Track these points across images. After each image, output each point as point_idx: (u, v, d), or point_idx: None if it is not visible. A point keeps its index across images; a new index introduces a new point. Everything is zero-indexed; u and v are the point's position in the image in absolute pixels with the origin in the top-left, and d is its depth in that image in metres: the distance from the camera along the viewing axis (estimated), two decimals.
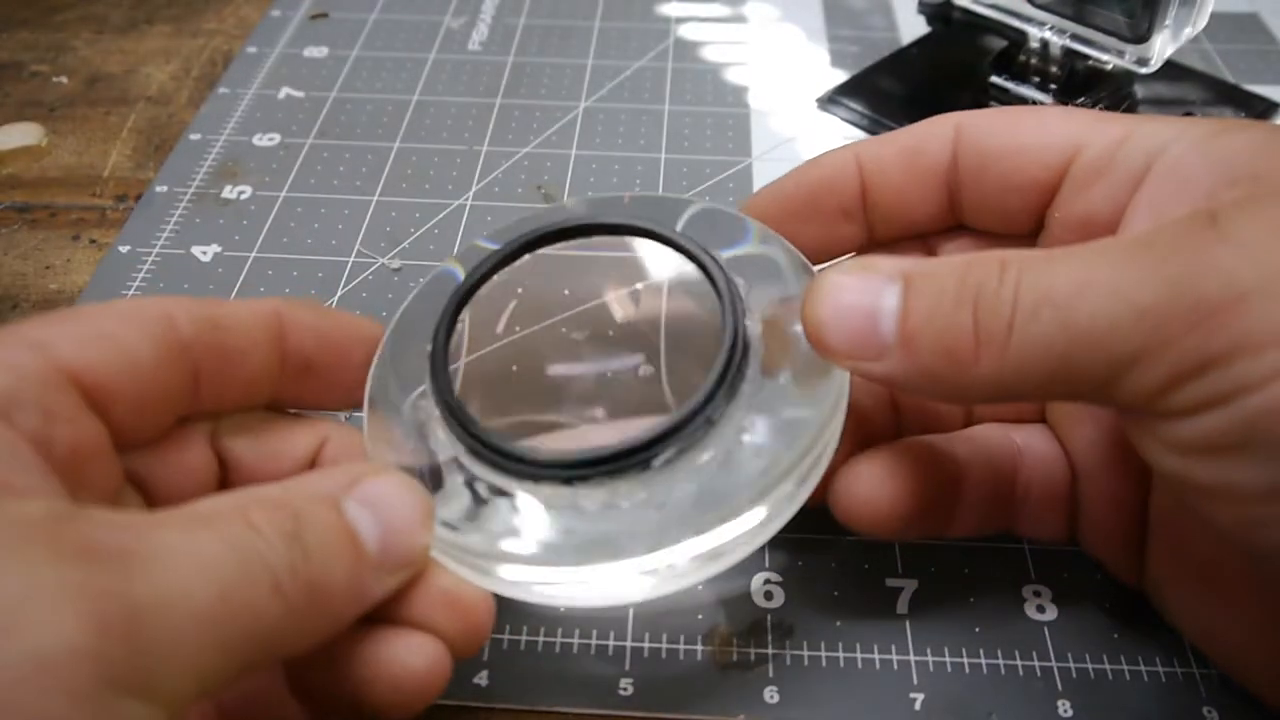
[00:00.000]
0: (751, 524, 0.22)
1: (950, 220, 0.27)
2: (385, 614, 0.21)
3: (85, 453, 0.20)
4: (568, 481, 0.22)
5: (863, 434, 0.26)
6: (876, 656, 0.26)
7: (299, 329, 0.24)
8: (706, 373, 0.23)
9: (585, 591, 0.23)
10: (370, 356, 0.25)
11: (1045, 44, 0.41)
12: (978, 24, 0.42)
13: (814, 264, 0.25)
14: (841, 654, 0.26)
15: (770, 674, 0.26)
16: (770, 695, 0.26)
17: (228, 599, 0.16)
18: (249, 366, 0.23)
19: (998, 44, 0.44)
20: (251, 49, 0.50)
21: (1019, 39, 0.42)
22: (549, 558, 0.22)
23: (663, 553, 0.21)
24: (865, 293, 0.21)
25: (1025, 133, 0.25)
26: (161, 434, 0.22)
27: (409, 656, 0.20)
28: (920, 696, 0.25)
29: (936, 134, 0.26)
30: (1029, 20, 0.41)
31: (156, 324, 0.21)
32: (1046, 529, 0.27)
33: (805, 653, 0.26)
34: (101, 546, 0.16)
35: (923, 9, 0.44)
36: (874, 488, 0.24)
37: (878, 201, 0.27)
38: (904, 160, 0.27)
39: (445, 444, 0.24)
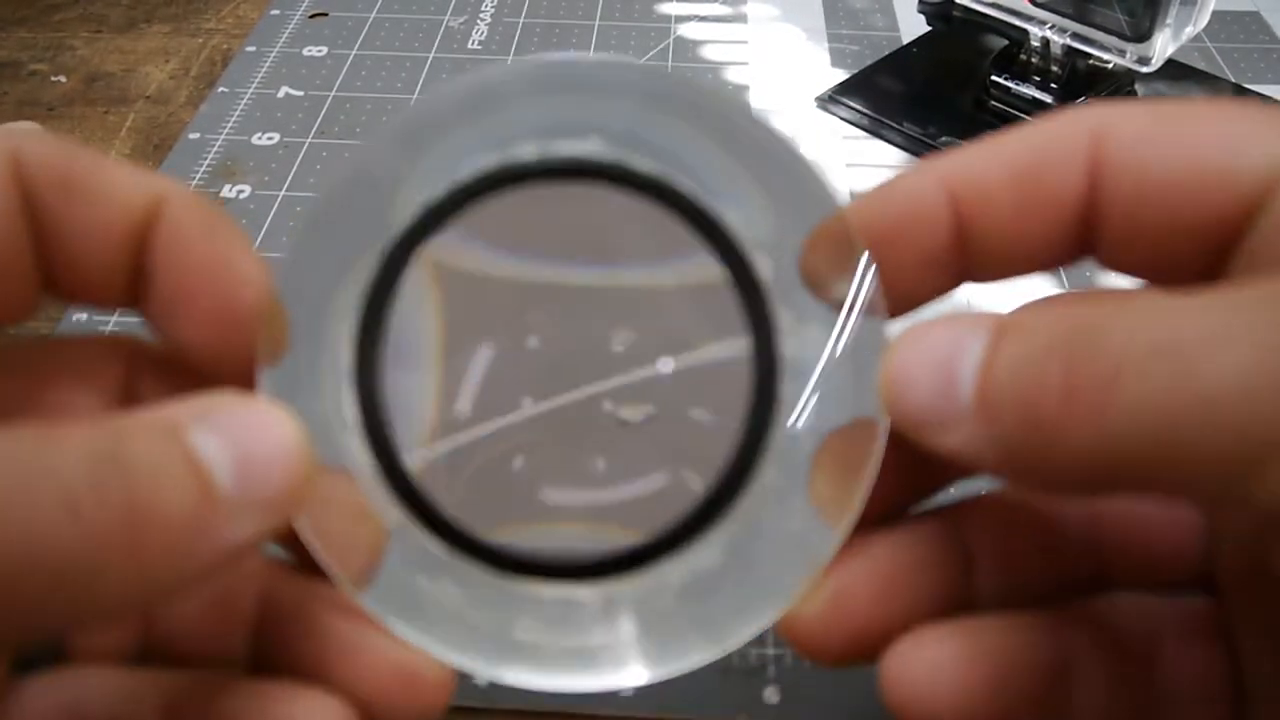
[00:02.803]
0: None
1: (1079, 256, 0.20)
2: (313, 670, 0.19)
3: None
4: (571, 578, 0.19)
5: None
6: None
7: (174, 230, 0.19)
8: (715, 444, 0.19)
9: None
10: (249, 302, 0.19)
11: (1046, 43, 0.41)
12: (978, 23, 0.42)
13: (891, 315, 0.20)
14: None
15: (770, 674, 0.26)
16: (770, 695, 0.26)
17: None
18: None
19: (998, 43, 0.44)
20: (251, 48, 0.50)
21: (1019, 38, 0.42)
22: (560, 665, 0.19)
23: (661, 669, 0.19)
24: (947, 346, 0.17)
25: (1205, 148, 0.18)
26: None
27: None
28: None
29: (1064, 148, 0.19)
30: (1029, 19, 0.41)
31: None
32: None
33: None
34: None
35: (923, 8, 0.44)
36: (938, 679, 0.18)
37: (979, 245, 0.19)
38: (1018, 189, 0.19)
39: (388, 506, 0.19)
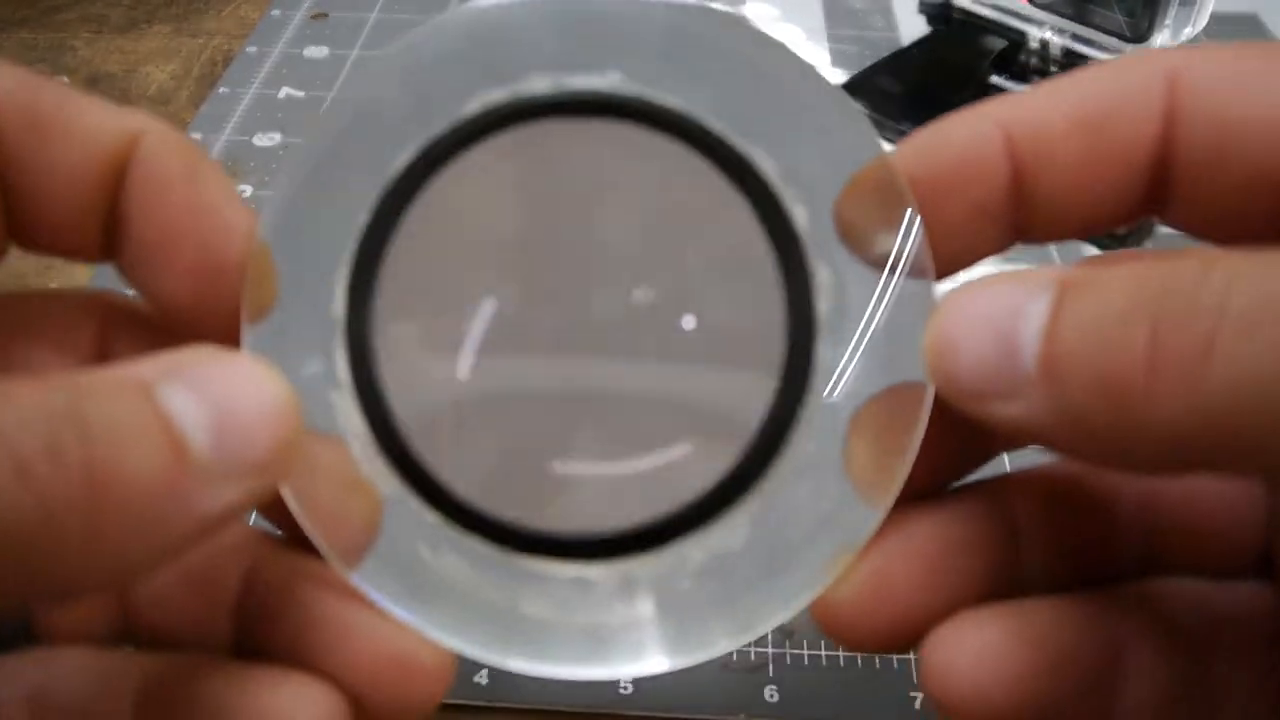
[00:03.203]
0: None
1: (1145, 213, 0.18)
2: (301, 653, 0.17)
3: None
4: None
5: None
6: (876, 657, 0.26)
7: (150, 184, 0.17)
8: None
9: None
10: (237, 252, 0.18)
11: (1045, 44, 0.41)
12: (978, 24, 0.42)
13: (938, 276, 0.18)
14: (841, 654, 0.26)
15: (770, 674, 0.26)
16: (770, 695, 0.26)
17: None
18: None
19: (998, 44, 0.44)
20: (251, 49, 0.50)
21: (1019, 39, 0.42)
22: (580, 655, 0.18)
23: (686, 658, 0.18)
24: (1004, 306, 0.15)
25: None
26: None
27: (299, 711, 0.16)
28: (920, 696, 0.25)
29: (1137, 92, 0.17)
30: (1029, 20, 0.41)
31: None
32: None
33: (805, 652, 0.26)
34: None
35: (923, 9, 0.44)
36: (986, 667, 0.17)
37: (1038, 199, 0.18)
38: (1084, 136, 0.17)
39: (386, 477, 0.18)
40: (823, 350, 0.18)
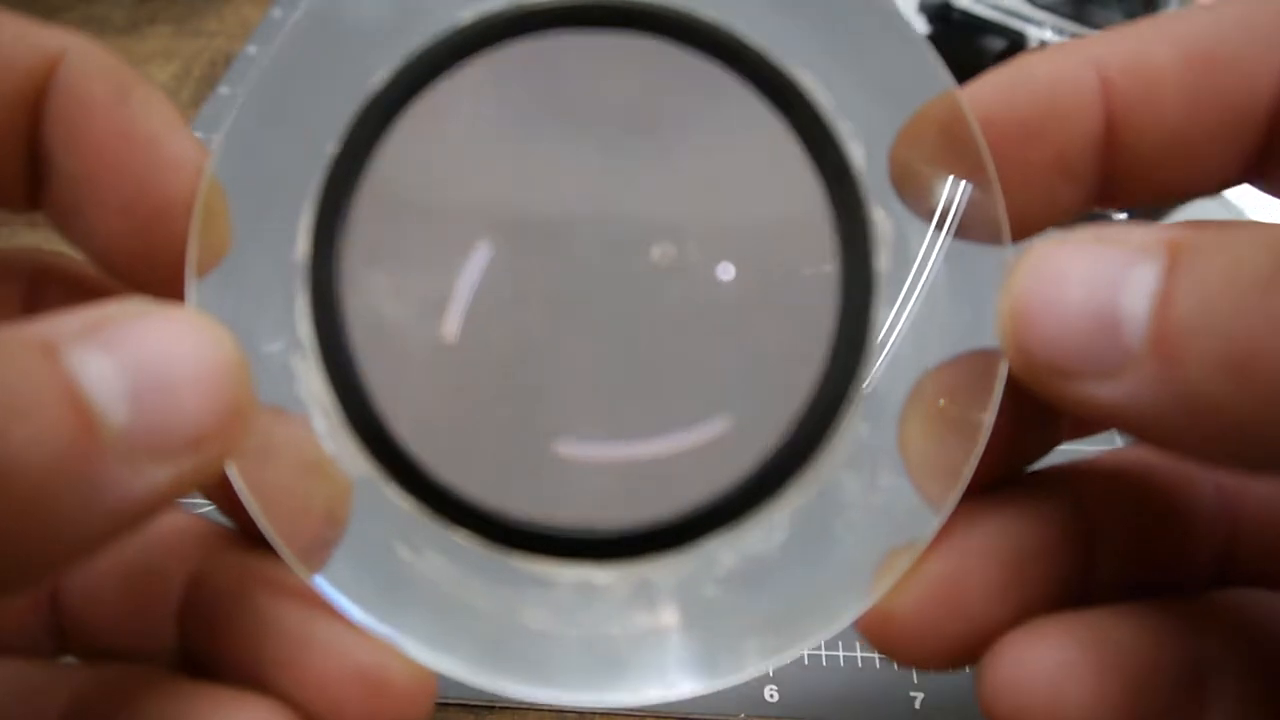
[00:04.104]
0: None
1: (1254, 176, 0.16)
2: (253, 669, 0.15)
3: None
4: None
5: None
6: (876, 656, 0.26)
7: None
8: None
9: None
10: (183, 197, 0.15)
11: (1045, 44, 0.41)
12: (978, 24, 0.42)
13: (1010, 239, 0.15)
14: (841, 654, 0.26)
15: (770, 674, 0.26)
16: (770, 695, 0.26)
17: None
18: None
19: (998, 44, 0.44)
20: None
21: (1019, 39, 0.42)
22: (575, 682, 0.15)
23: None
24: (1099, 271, 0.13)
25: None
26: None
27: None
28: (920, 696, 0.25)
29: (1260, 27, 0.14)
30: (1029, 20, 0.41)
31: None
32: None
33: (805, 652, 0.26)
34: None
35: (923, 9, 0.44)
36: (1064, 687, 0.15)
37: (1135, 151, 0.15)
38: (1197, 77, 0.14)
39: (358, 462, 0.15)
40: (881, 314, 0.15)
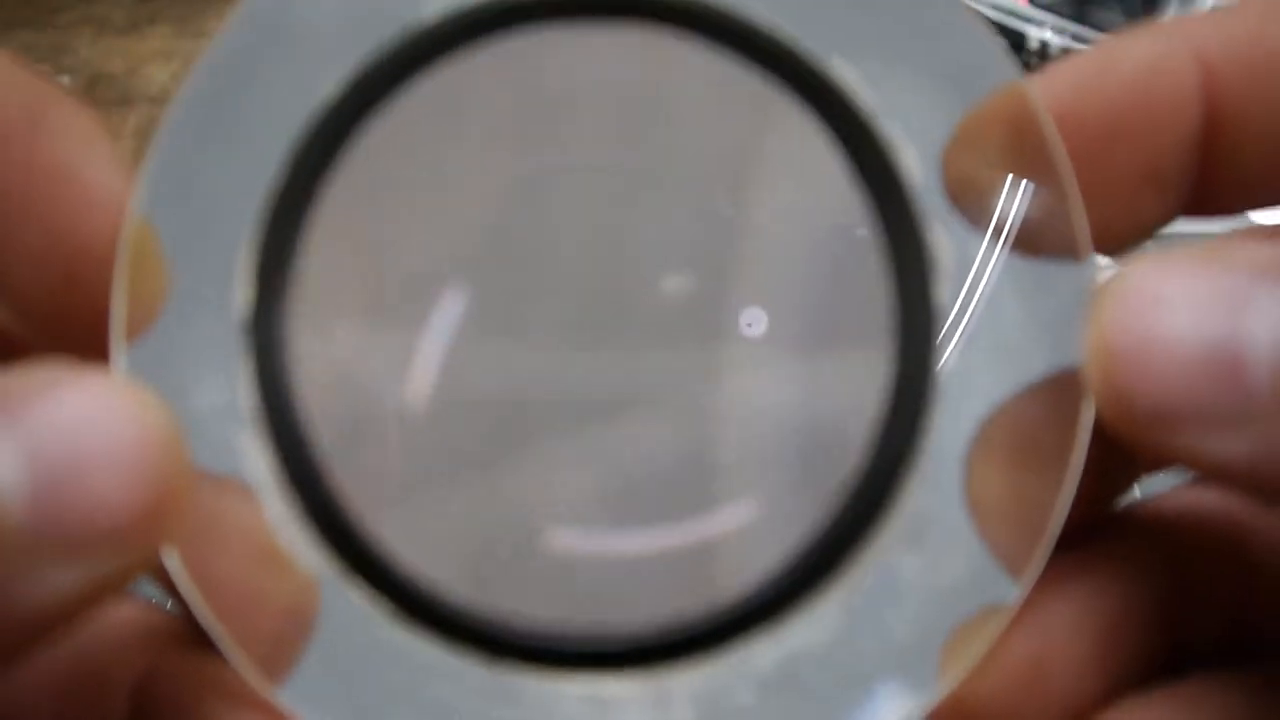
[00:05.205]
0: None
1: None
2: None
3: None
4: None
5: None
6: None
7: None
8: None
9: None
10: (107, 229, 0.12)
11: (1045, 44, 0.41)
12: None
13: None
14: None
15: None
16: None
17: None
18: None
19: None
20: None
21: (1019, 39, 0.42)
22: None
23: None
24: (1215, 301, 0.11)
25: None
26: None
27: None
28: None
29: None
30: (1029, 20, 0.41)
31: None
32: None
33: None
34: None
35: None
36: None
37: (1241, 150, 0.13)
38: None
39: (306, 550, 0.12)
40: (942, 357, 0.12)
